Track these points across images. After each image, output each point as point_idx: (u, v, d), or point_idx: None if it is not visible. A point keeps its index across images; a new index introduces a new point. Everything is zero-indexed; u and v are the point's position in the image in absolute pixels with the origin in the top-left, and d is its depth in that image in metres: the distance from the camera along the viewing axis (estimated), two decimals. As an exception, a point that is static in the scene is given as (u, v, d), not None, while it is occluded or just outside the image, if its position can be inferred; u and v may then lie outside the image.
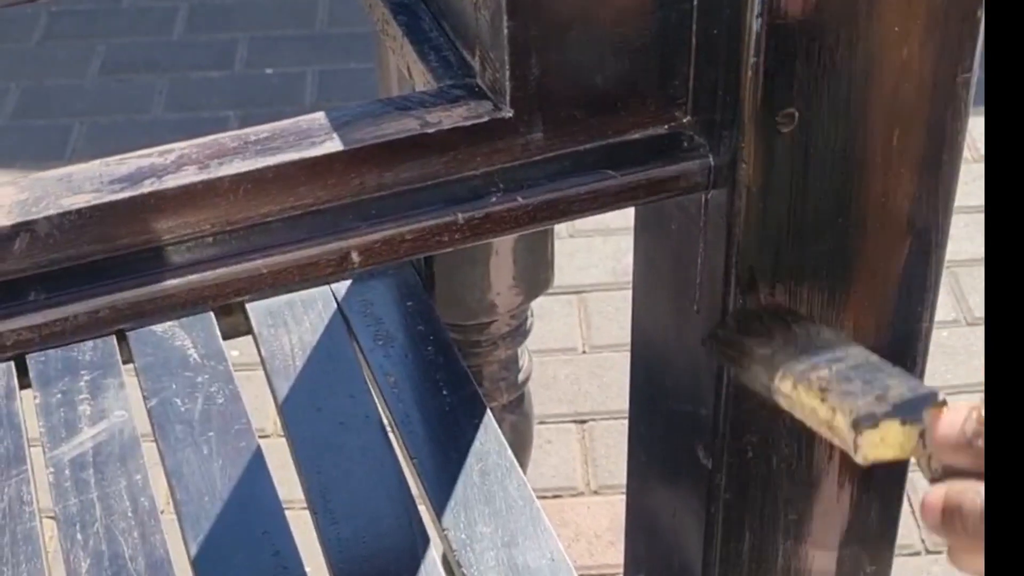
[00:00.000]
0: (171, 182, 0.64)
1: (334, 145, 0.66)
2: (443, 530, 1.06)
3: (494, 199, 0.68)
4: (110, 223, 0.64)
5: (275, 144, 0.66)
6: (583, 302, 1.99)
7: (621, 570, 1.65)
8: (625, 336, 1.95)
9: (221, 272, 0.65)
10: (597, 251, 2.08)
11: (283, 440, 1.15)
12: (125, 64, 2.63)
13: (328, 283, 1.20)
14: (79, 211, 0.63)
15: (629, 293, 2.02)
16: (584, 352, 1.91)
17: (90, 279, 0.64)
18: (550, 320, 1.93)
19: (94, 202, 0.63)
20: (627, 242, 2.13)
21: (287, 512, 1.08)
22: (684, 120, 0.71)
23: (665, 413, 0.83)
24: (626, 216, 2.24)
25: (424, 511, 1.10)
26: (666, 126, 0.71)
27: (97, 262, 0.64)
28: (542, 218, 0.69)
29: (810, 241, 0.71)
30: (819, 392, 0.67)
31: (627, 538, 0.92)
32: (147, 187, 0.64)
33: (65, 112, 2.49)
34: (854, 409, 0.65)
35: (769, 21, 0.65)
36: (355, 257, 0.66)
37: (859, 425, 0.64)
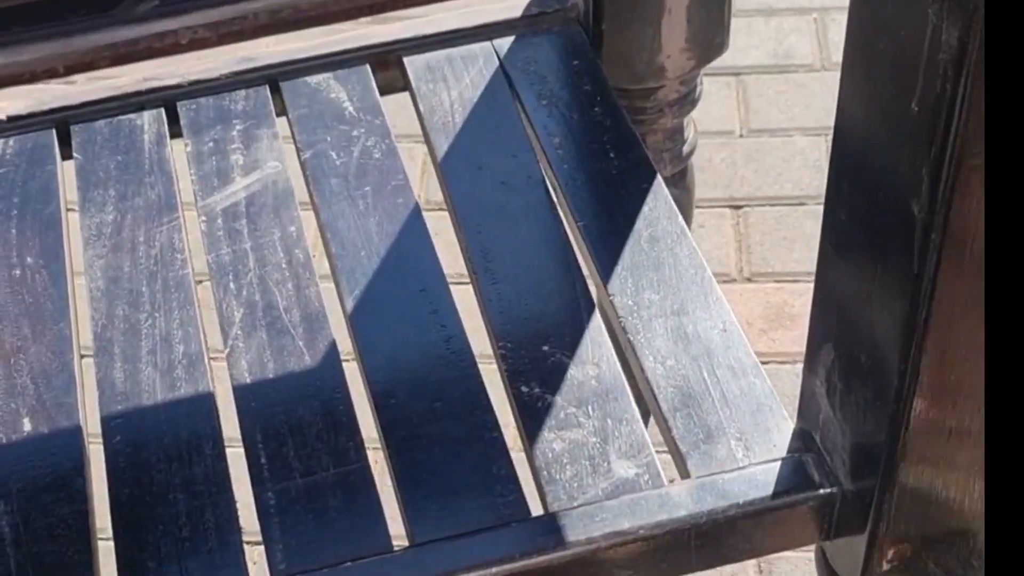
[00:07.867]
0: None
1: None
2: (609, 296, 1.01)
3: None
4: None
5: None
6: (742, 84, 1.90)
7: (773, 359, 1.60)
8: (785, 121, 1.87)
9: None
10: (758, 32, 1.98)
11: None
12: None
13: None
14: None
15: (791, 76, 1.93)
16: (741, 136, 1.83)
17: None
18: (707, 101, 1.85)
19: None
20: (789, 23, 2.03)
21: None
22: None
23: (868, 200, 0.76)
24: (790, -5, 2.06)
25: (588, 276, 1.04)
26: None
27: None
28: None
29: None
30: None
31: (814, 312, 0.86)
32: None
33: None
34: None
35: None
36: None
37: None
